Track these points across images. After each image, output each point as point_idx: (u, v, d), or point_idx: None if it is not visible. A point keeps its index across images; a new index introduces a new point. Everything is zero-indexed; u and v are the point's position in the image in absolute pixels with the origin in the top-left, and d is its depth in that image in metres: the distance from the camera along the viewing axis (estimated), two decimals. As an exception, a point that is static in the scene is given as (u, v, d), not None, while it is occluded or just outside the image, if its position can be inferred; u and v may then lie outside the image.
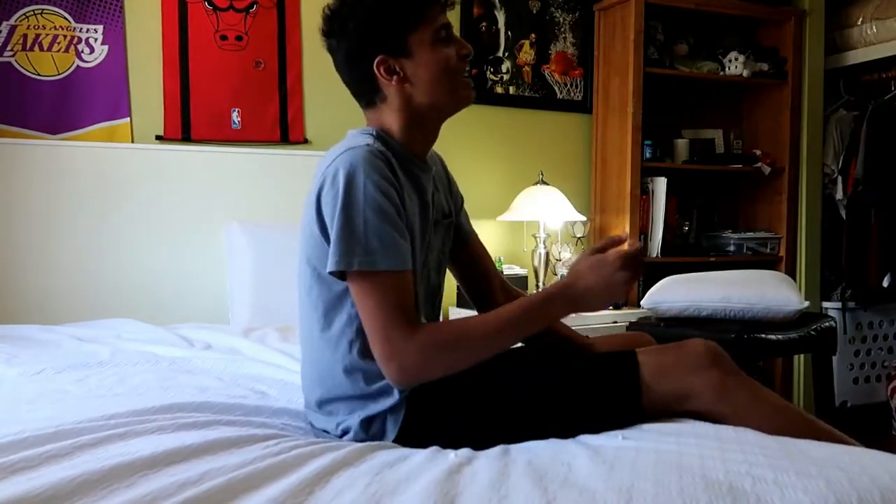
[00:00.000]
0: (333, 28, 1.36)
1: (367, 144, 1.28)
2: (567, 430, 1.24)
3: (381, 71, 1.34)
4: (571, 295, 1.31)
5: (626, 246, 1.34)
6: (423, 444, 1.21)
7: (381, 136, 1.36)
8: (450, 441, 1.21)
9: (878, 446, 1.13)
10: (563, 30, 3.50)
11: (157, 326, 2.41)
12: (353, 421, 1.30)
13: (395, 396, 1.27)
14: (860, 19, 3.59)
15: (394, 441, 1.27)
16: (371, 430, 1.29)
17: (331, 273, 1.25)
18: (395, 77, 1.34)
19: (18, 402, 1.52)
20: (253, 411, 1.43)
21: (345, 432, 1.32)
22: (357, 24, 1.33)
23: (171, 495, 0.94)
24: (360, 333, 1.28)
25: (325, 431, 1.35)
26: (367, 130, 1.37)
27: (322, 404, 1.35)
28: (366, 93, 1.38)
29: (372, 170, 1.24)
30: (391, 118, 1.38)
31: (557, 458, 1.11)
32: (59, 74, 2.74)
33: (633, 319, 2.94)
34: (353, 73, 1.38)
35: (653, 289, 2.75)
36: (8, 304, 2.59)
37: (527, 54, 3.43)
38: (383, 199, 1.24)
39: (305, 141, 3.07)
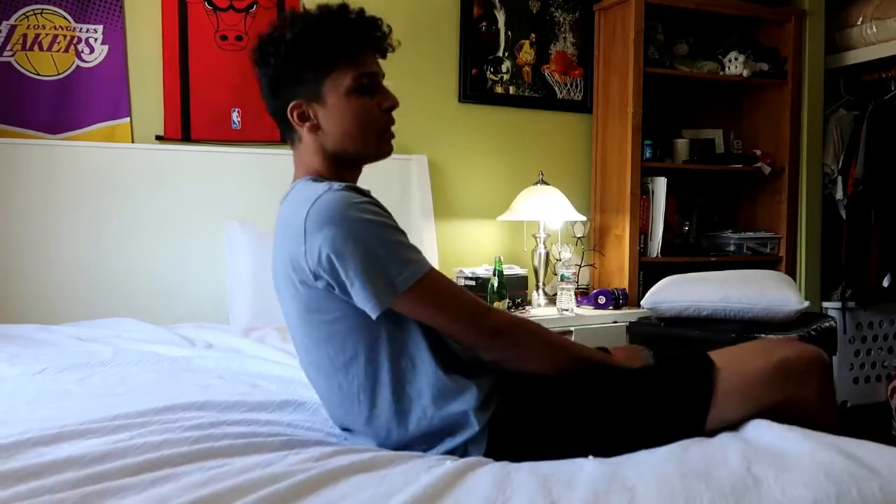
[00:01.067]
0: (259, 58, 1.34)
1: (324, 188, 1.23)
2: (638, 445, 1.18)
3: (294, 116, 1.31)
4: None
5: None
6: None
7: (319, 179, 1.32)
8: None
9: (878, 447, 1.13)
10: (563, 30, 3.50)
11: (158, 326, 2.41)
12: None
13: (475, 427, 1.22)
14: (860, 19, 3.59)
15: None
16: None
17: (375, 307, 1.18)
18: (307, 123, 1.31)
19: (20, 401, 1.52)
20: (256, 407, 1.43)
21: None
22: (277, 62, 1.30)
23: (177, 498, 0.94)
24: (400, 367, 1.24)
25: None
26: (305, 180, 1.32)
27: (400, 448, 1.27)
28: (284, 130, 1.36)
29: (353, 198, 1.21)
30: (313, 160, 1.34)
31: (563, 462, 1.11)
32: (59, 74, 2.73)
33: (633, 319, 2.94)
34: (271, 109, 1.36)
35: (653, 289, 2.75)
36: (8, 304, 2.59)
37: (527, 54, 3.43)
38: (381, 217, 1.22)
39: (305, 141, 3.07)
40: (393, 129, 1.37)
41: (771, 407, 1.25)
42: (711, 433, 1.22)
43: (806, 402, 1.28)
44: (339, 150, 1.32)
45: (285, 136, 1.38)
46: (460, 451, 1.24)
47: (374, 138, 1.33)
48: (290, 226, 1.25)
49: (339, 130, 1.30)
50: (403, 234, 1.24)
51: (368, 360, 1.25)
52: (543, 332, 1.33)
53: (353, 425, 1.32)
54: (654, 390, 1.29)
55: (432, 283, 1.22)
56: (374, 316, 1.19)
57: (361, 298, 1.18)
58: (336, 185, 1.24)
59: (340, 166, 1.35)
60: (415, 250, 1.23)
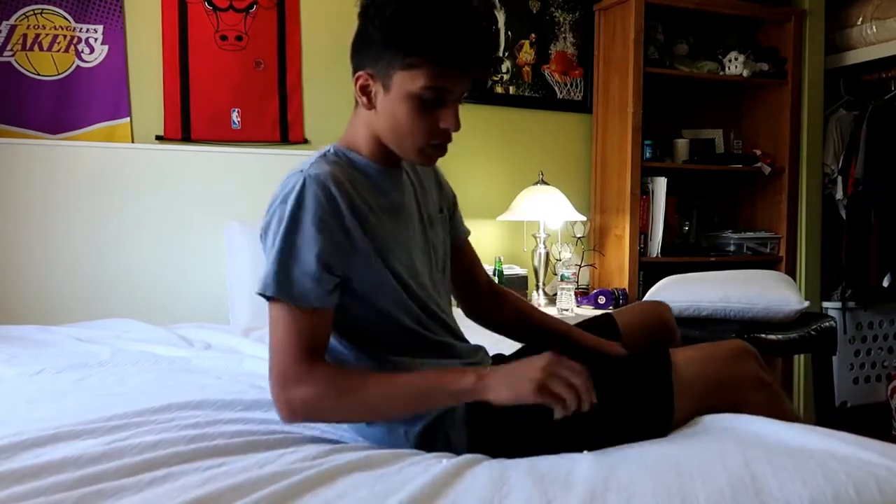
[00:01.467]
0: (361, 9, 1.24)
1: (304, 171, 1.22)
2: (602, 442, 1.19)
3: (358, 83, 1.26)
4: (479, 385, 1.15)
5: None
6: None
7: (339, 151, 1.31)
8: (505, 453, 1.18)
9: (877, 446, 1.13)
10: (563, 30, 3.50)
11: (157, 326, 2.42)
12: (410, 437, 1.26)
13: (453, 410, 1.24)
14: (860, 19, 3.59)
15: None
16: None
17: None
18: (365, 98, 1.26)
19: (18, 402, 1.52)
20: (252, 405, 1.43)
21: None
22: (370, 23, 1.22)
23: (174, 498, 0.94)
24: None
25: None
26: (321, 151, 1.31)
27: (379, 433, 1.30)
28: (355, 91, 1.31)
29: (311, 196, 1.19)
30: (358, 131, 1.32)
31: (558, 459, 1.11)
32: (59, 74, 2.74)
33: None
34: (351, 64, 1.28)
35: (653, 289, 2.75)
36: (8, 304, 2.59)
37: (527, 54, 3.43)
38: (315, 233, 1.18)
39: (305, 141, 3.07)
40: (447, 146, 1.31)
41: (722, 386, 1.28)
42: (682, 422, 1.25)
43: (749, 382, 1.30)
44: (381, 137, 1.29)
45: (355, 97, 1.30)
46: (441, 436, 1.25)
47: (411, 149, 1.27)
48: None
49: (385, 123, 1.26)
50: (316, 256, 1.18)
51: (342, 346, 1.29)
52: (363, 397, 1.17)
53: None
54: (619, 380, 1.30)
55: (272, 311, 1.20)
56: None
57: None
58: (319, 171, 1.21)
59: (381, 149, 1.31)
60: (302, 275, 1.17)
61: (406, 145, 1.26)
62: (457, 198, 1.60)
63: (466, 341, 1.45)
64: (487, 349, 1.50)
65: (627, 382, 1.30)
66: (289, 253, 1.17)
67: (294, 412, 1.17)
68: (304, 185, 1.19)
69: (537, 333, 1.60)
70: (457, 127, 1.24)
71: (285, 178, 1.24)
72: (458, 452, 1.22)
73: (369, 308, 1.28)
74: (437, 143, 1.27)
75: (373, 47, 1.22)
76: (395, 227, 1.32)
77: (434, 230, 1.43)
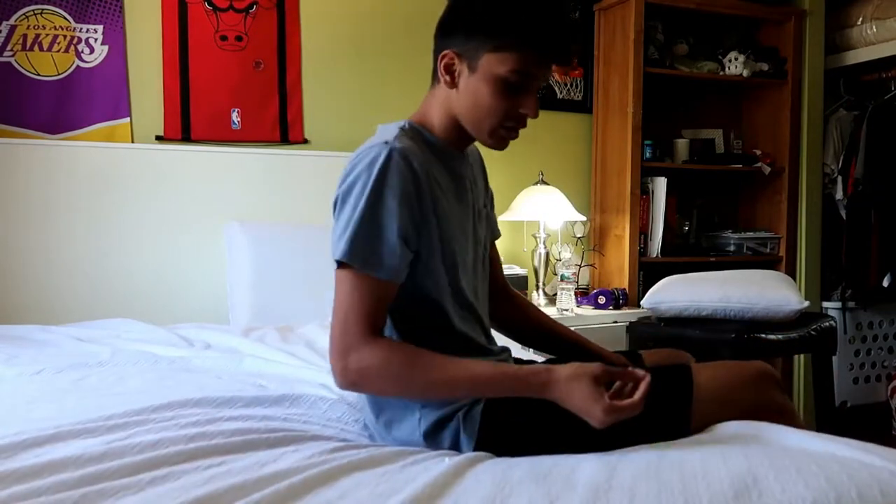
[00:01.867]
0: None
1: (389, 143, 1.21)
2: (618, 444, 1.18)
3: (442, 62, 1.29)
4: (550, 392, 1.16)
5: (638, 390, 1.15)
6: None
7: (414, 127, 1.32)
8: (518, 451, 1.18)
9: (878, 446, 1.13)
10: (563, 30, 3.49)
11: (157, 326, 2.41)
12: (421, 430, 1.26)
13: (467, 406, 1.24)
14: (860, 19, 3.59)
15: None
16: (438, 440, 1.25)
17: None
18: (448, 77, 1.29)
19: (18, 402, 1.52)
20: (252, 402, 1.43)
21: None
22: (466, 9, 1.27)
23: (176, 498, 0.94)
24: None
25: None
26: (399, 124, 1.31)
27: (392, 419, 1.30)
28: (433, 69, 1.33)
29: (391, 165, 1.20)
30: (434, 110, 1.33)
31: (561, 459, 1.11)
32: (59, 74, 2.73)
33: (633, 319, 2.94)
34: (434, 44, 1.32)
35: (653, 289, 2.75)
36: (8, 304, 2.59)
37: (527, 54, 3.43)
38: (398, 206, 1.19)
39: (305, 141, 3.07)
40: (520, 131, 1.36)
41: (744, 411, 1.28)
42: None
43: (769, 407, 1.31)
44: (458, 116, 1.31)
45: (432, 74, 1.34)
46: (452, 427, 1.25)
47: (487, 132, 1.30)
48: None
49: (465, 103, 1.28)
50: (397, 228, 1.19)
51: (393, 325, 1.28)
52: (417, 374, 1.18)
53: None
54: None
55: (342, 278, 1.20)
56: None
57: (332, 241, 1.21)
58: (404, 145, 1.22)
59: (454, 131, 1.34)
60: (381, 245, 1.19)
61: (483, 126, 1.29)
62: (493, 196, 1.61)
63: (495, 341, 1.45)
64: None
65: (649, 396, 1.28)
66: (370, 223, 1.18)
67: (348, 380, 1.18)
68: (389, 157, 1.20)
69: (547, 340, 1.60)
70: (536, 114, 1.29)
71: (366, 147, 1.23)
72: (462, 447, 1.22)
73: (417, 291, 1.27)
74: (511, 125, 1.30)
75: (463, 28, 1.26)
76: (459, 213, 1.33)
77: (481, 224, 1.44)
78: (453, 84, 1.29)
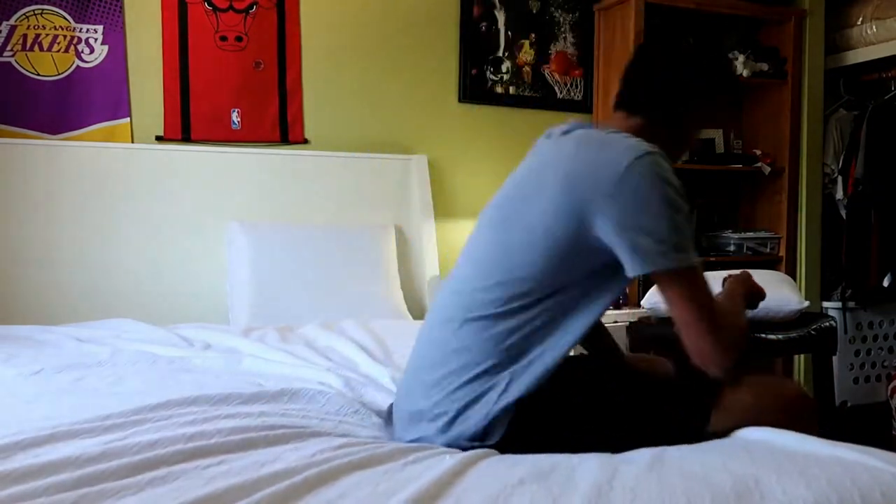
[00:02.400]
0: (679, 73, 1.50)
1: (649, 150, 1.32)
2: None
3: (668, 116, 1.49)
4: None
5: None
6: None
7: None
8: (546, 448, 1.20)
9: (878, 446, 1.13)
10: (563, 30, 3.50)
11: (157, 326, 2.41)
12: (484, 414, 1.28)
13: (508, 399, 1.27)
14: (860, 19, 3.58)
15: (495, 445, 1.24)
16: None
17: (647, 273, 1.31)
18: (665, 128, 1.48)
19: (17, 402, 1.51)
20: (250, 399, 1.43)
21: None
22: (692, 83, 1.50)
23: (175, 498, 0.94)
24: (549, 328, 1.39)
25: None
26: (627, 136, 1.39)
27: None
28: (638, 103, 1.49)
29: (669, 173, 1.32)
30: (636, 132, 1.43)
31: (563, 458, 1.11)
32: (59, 74, 2.73)
33: (633, 319, 2.93)
34: (653, 91, 1.49)
35: (653, 288, 2.75)
36: (8, 304, 2.59)
37: (527, 54, 3.43)
38: (682, 202, 1.33)
39: (305, 141, 3.07)
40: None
41: None
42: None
43: None
44: (659, 142, 1.40)
45: (628, 103, 1.51)
46: (482, 409, 1.26)
47: (675, 157, 1.48)
48: (593, 164, 1.33)
49: (671, 139, 1.49)
50: (686, 220, 1.35)
51: (543, 308, 1.38)
52: (735, 319, 1.41)
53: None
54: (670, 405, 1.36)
55: (676, 281, 1.33)
56: (631, 274, 1.34)
57: (629, 258, 1.31)
58: (648, 147, 1.32)
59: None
60: (690, 243, 1.35)
61: (676, 155, 1.54)
62: None
63: None
64: None
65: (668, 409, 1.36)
66: (678, 228, 1.33)
67: (731, 357, 1.28)
68: (659, 164, 1.31)
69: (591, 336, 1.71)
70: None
71: (621, 155, 1.30)
72: (486, 435, 1.24)
73: (608, 282, 1.42)
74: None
75: (686, 98, 1.50)
76: None
77: None
78: (668, 129, 1.52)
